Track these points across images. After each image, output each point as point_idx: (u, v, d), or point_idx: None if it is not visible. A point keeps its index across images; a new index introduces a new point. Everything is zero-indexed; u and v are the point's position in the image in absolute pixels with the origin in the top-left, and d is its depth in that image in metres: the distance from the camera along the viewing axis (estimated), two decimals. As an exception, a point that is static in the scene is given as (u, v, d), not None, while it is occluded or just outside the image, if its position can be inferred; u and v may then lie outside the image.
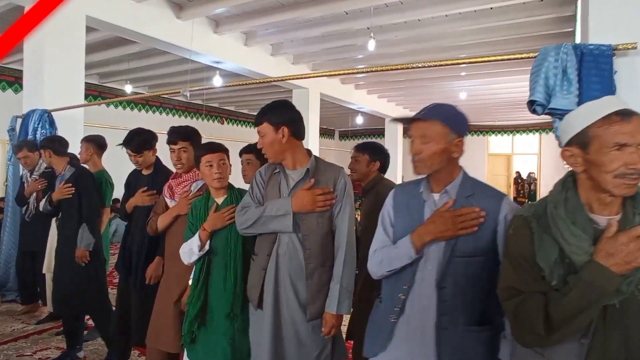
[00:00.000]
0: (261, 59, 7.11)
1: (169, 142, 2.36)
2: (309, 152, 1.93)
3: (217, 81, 6.40)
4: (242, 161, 2.48)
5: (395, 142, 12.83)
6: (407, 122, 1.50)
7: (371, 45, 5.07)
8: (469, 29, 6.15)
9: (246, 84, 5.14)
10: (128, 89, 9.01)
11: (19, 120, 4.45)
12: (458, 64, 2.92)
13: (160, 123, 9.43)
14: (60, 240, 3.12)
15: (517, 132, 15.28)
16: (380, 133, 13.41)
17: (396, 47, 6.98)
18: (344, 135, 17.15)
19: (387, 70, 3.15)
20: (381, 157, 2.77)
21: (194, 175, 2.34)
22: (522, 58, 2.49)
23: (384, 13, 5.59)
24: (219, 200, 2.06)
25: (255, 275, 1.88)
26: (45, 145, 3.25)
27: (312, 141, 8.43)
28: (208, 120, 13.01)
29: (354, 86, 9.99)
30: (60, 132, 4.32)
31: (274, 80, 4.39)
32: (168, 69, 8.34)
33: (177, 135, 2.34)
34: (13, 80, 8.26)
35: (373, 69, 3.17)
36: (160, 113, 11.53)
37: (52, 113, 4.29)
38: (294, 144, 1.87)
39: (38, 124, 4.19)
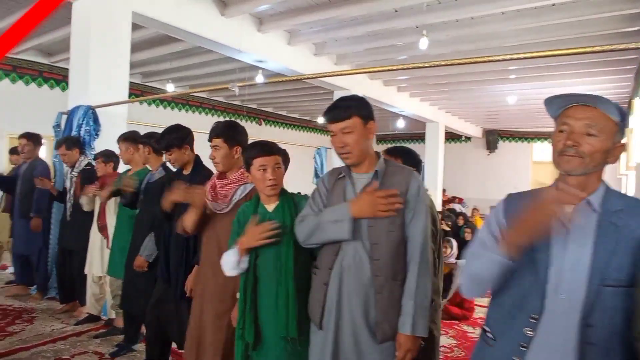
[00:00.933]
0: (304, 59, 6.95)
1: (208, 139, 2.21)
2: (377, 153, 1.71)
3: (260, 80, 6.27)
4: None
5: (436, 148, 12.42)
6: (570, 100, 1.18)
7: (423, 43, 4.81)
8: (526, 28, 5.78)
9: (289, 80, 4.99)
10: (170, 88, 9.07)
11: (64, 117, 4.43)
12: (510, 60, 2.70)
13: (199, 122, 9.43)
14: (135, 239, 2.96)
15: (566, 139, 14.51)
16: (420, 138, 13.03)
17: (445, 48, 6.66)
18: (382, 139, 16.81)
19: (431, 66, 2.95)
20: (415, 163, 2.41)
21: (241, 177, 2.10)
22: (584, 53, 2.24)
23: (436, 10, 5.31)
24: (270, 207, 1.83)
25: (316, 292, 1.67)
26: (147, 142, 3.06)
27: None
28: (246, 121, 13.00)
29: (396, 88, 9.70)
30: (103, 129, 4.28)
31: (317, 77, 4.20)
32: (210, 69, 8.32)
33: (211, 132, 2.17)
34: (61, 78, 8.43)
35: (416, 66, 2.98)
36: (200, 113, 11.59)
37: (96, 110, 4.25)
38: (372, 143, 1.67)
39: (82, 120, 4.15)
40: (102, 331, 3.50)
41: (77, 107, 4.21)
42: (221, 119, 12.50)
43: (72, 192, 3.88)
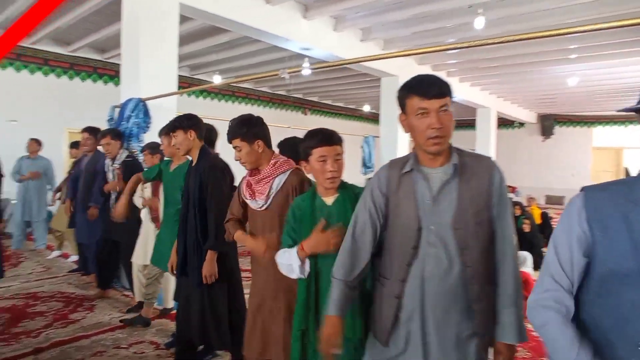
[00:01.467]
0: (350, 44, 6.80)
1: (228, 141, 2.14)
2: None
3: (306, 67, 6.18)
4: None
5: (487, 135, 11.96)
6: None
7: (479, 23, 4.55)
8: (587, 2, 5.35)
9: (336, 66, 4.85)
10: (217, 80, 9.17)
11: (117, 110, 4.54)
12: (574, 34, 2.50)
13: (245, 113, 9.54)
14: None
15: (631, 122, 13.54)
16: (471, 124, 12.53)
17: (497, 28, 6.27)
18: (429, 127, 16.40)
19: (487, 44, 2.77)
20: None
21: (274, 170, 2.00)
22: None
23: (491, -13, 5.01)
24: (329, 200, 1.70)
25: (384, 306, 1.44)
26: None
27: (400, 133, 7.98)
28: (292, 110, 13.01)
29: (445, 73, 9.33)
30: (153, 121, 4.34)
31: (363, 61, 4.06)
32: (255, 59, 8.34)
33: (227, 134, 2.09)
34: (114, 73, 8.73)
35: (472, 44, 2.79)
36: (246, 104, 11.70)
37: (147, 103, 4.32)
38: None
39: (132, 112, 4.23)
40: (128, 318, 3.56)
41: (129, 100, 4.30)
42: (267, 109, 12.60)
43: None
